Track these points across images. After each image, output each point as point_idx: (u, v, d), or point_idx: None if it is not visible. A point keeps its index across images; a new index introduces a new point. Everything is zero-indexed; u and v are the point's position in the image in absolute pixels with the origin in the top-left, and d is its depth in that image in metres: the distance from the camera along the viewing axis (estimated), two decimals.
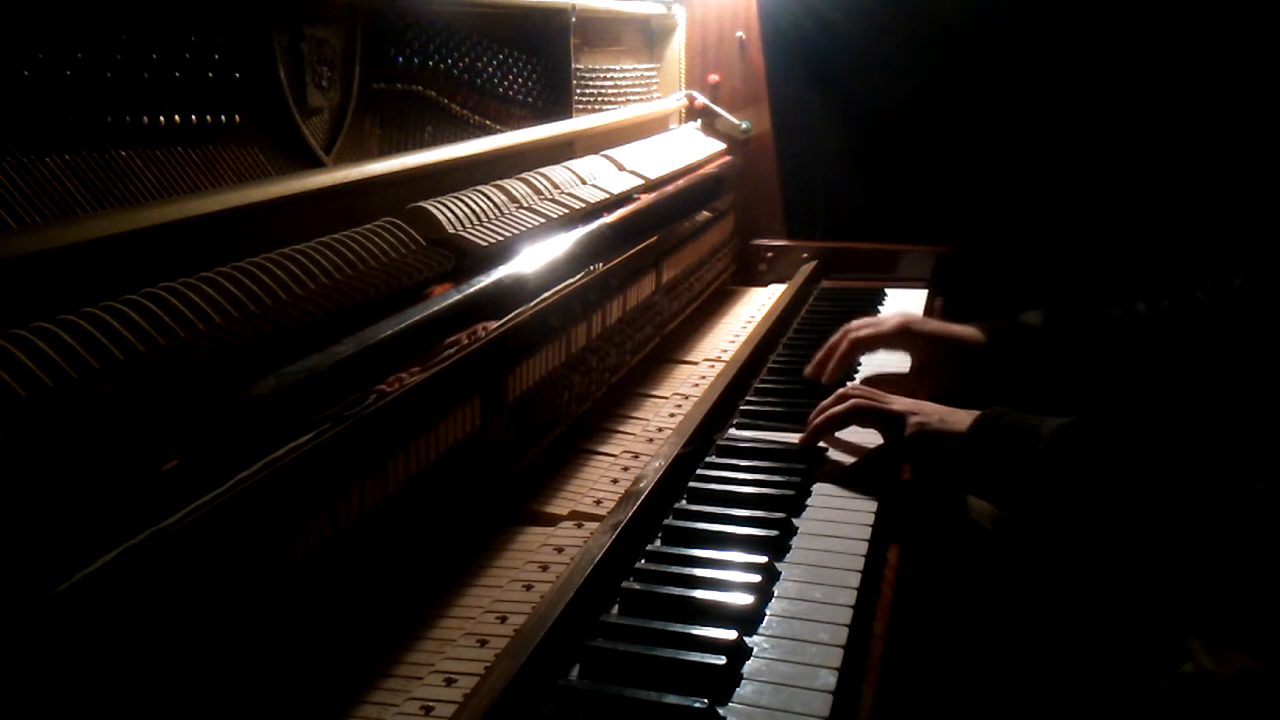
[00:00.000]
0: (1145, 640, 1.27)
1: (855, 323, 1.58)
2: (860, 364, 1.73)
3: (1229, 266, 1.43)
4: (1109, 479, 1.14)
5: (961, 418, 1.26)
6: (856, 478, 1.30)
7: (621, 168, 1.73)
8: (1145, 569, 1.19)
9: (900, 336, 1.55)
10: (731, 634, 0.96)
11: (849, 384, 1.54)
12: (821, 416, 1.35)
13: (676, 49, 2.31)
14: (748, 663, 0.94)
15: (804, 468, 1.32)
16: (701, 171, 2.03)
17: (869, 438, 1.38)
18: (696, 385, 1.63)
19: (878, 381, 1.58)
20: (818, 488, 1.29)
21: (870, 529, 1.18)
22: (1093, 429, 1.18)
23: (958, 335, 1.53)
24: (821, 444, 1.39)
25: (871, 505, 1.24)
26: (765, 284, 2.31)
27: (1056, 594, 1.39)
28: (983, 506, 1.53)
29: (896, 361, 1.65)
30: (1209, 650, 1.19)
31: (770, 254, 2.39)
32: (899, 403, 1.33)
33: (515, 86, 1.63)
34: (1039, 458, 1.17)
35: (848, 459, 1.36)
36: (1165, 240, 2.37)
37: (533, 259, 1.26)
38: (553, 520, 1.21)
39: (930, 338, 1.54)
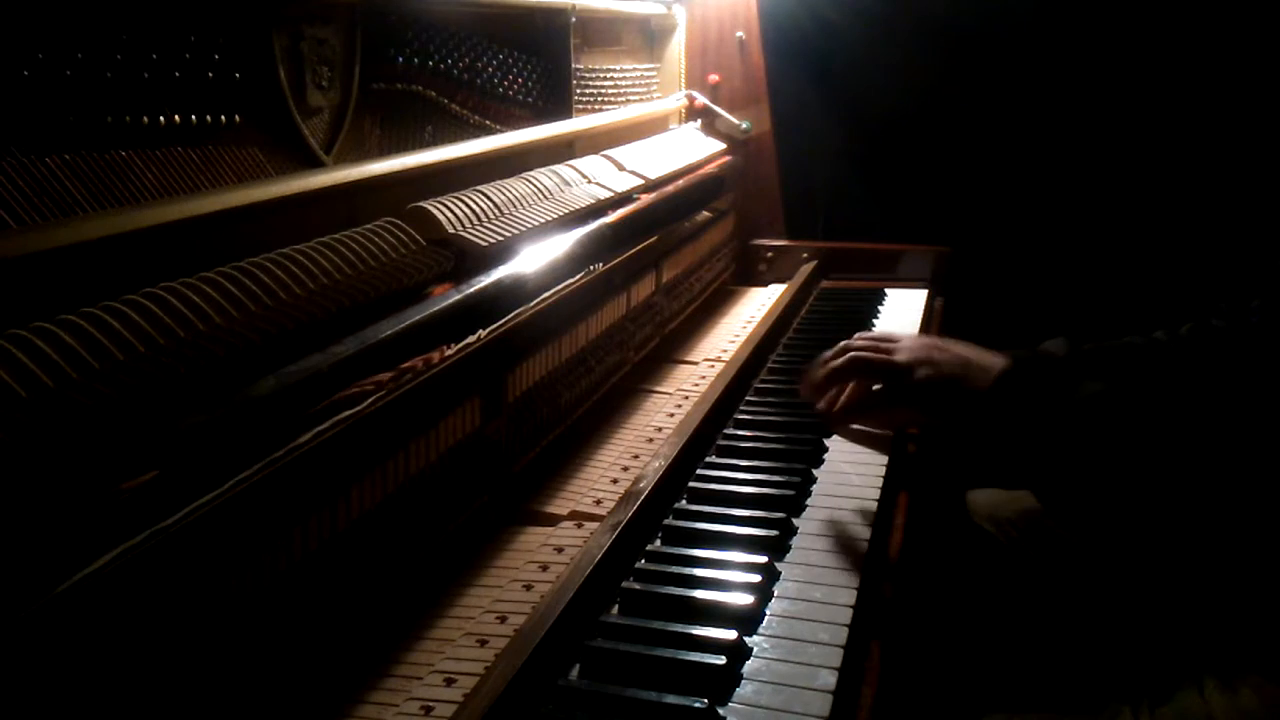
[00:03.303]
0: (1148, 650, 1.26)
1: (860, 343, 1.49)
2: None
3: (1241, 283, 1.40)
4: (1151, 450, 1.05)
5: (981, 371, 1.15)
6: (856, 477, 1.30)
7: (621, 168, 1.73)
8: (1159, 583, 1.17)
9: None
10: (731, 634, 0.96)
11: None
12: (821, 371, 1.27)
13: (676, 49, 2.31)
14: (748, 663, 0.94)
15: (804, 467, 1.32)
16: (701, 171, 2.03)
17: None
18: (696, 385, 1.63)
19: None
20: (817, 487, 1.29)
21: (870, 529, 1.18)
22: (1135, 394, 1.09)
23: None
24: (824, 442, 1.39)
25: (872, 506, 1.24)
26: (765, 284, 2.31)
27: (1060, 595, 1.38)
28: (983, 507, 1.52)
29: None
30: (1222, 677, 1.17)
31: (770, 254, 2.39)
32: (906, 349, 1.22)
33: (515, 86, 1.63)
34: (1072, 424, 1.07)
35: (849, 458, 1.35)
36: (1166, 239, 2.37)
37: (532, 259, 1.25)
38: (553, 520, 1.21)
39: None
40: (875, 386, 1.28)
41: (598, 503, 1.24)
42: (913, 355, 1.20)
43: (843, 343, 1.30)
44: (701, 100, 2.32)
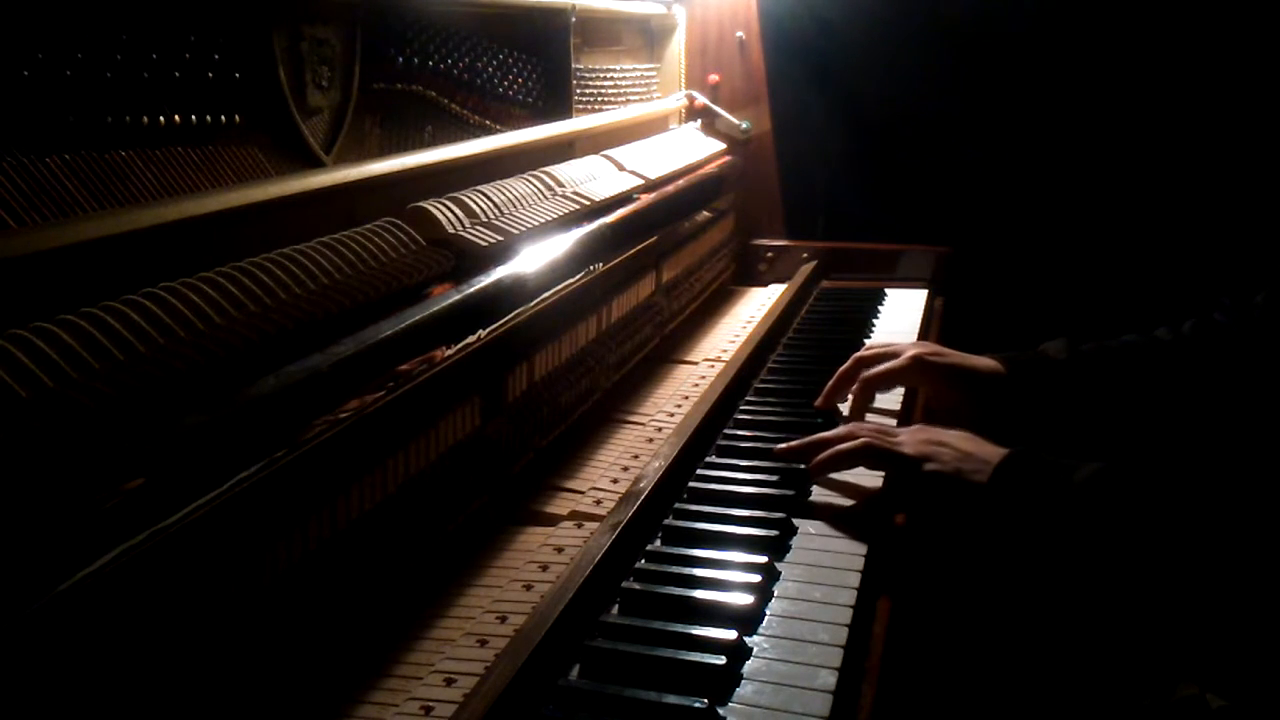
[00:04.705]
0: (1148, 652, 1.26)
1: (866, 353, 1.50)
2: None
3: (1244, 278, 1.39)
4: (1151, 528, 1.07)
5: (980, 464, 1.17)
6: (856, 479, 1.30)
7: (621, 168, 1.73)
8: (1159, 601, 1.17)
9: (915, 371, 1.45)
10: (731, 634, 0.96)
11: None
12: (829, 453, 1.27)
13: (676, 49, 2.31)
14: (748, 663, 0.94)
15: (804, 468, 1.31)
16: (701, 171, 2.03)
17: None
18: (696, 385, 1.63)
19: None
20: (818, 488, 1.29)
21: (871, 528, 1.18)
22: (1128, 476, 1.10)
23: (976, 367, 1.45)
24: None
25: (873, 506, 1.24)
26: (765, 284, 2.31)
27: (1064, 598, 1.38)
28: None
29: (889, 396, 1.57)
30: (1221, 676, 1.17)
31: (770, 254, 2.39)
32: (911, 443, 1.24)
33: (515, 86, 1.63)
34: (1072, 508, 1.10)
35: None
36: (1168, 240, 2.37)
37: (532, 259, 1.25)
38: (553, 520, 1.21)
39: (947, 370, 1.45)
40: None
41: (598, 503, 1.24)
42: (917, 450, 1.22)
43: (850, 426, 1.31)
44: (701, 100, 2.32)
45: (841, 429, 1.31)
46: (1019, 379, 1.42)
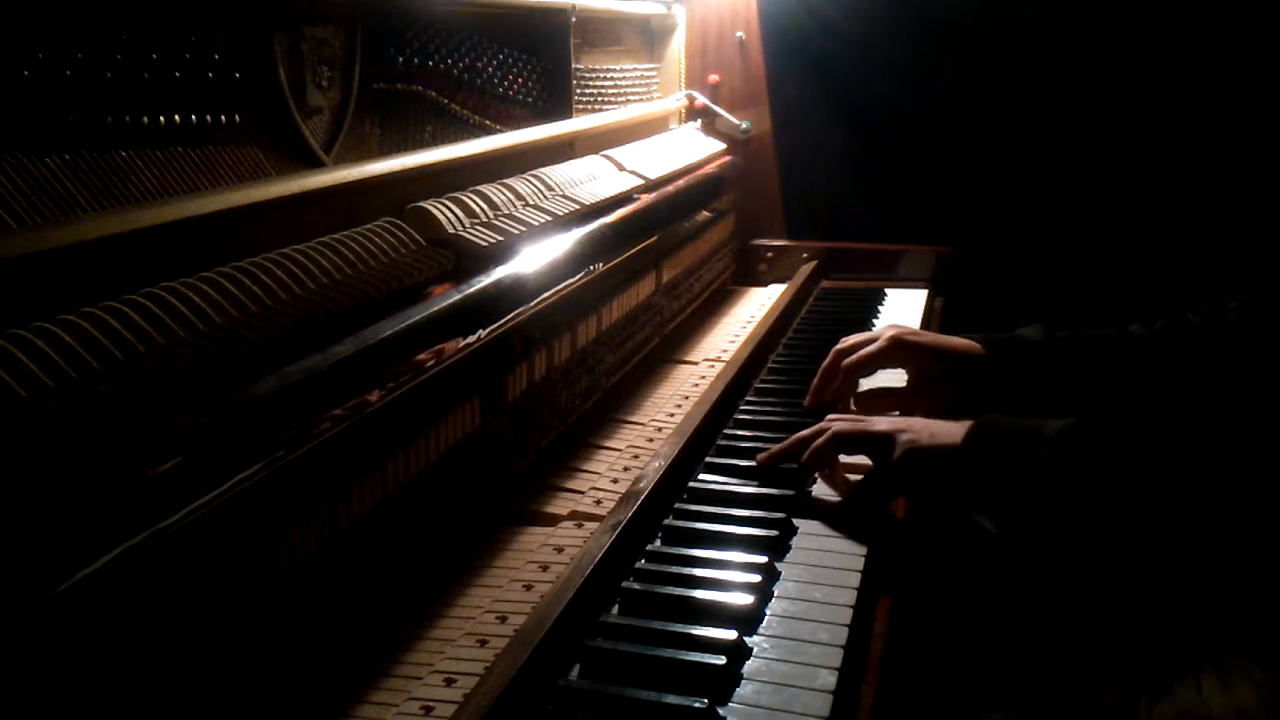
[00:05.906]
0: (1145, 644, 1.27)
1: (845, 344, 1.50)
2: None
3: (1224, 283, 1.40)
4: (1123, 478, 1.09)
5: (952, 430, 1.19)
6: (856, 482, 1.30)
7: (621, 168, 1.73)
8: (1152, 579, 1.17)
9: (894, 352, 1.46)
10: (731, 634, 0.96)
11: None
12: (809, 454, 1.28)
13: (676, 49, 2.31)
14: (748, 663, 0.94)
15: (796, 466, 1.31)
16: (701, 171, 2.03)
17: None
18: (696, 385, 1.63)
19: (874, 396, 1.51)
20: (818, 487, 1.29)
21: (869, 526, 1.18)
22: (1098, 428, 1.13)
23: (954, 347, 1.46)
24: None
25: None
26: (765, 284, 2.31)
27: (1060, 593, 1.38)
28: None
29: (892, 377, 1.56)
30: (1218, 671, 1.17)
31: (770, 254, 2.39)
32: (883, 422, 1.26)
33: (515, 86, 1.63)
34: (1045, 461, 1.11)
35: (849, 457, 1.35)
36: (1166, 242, 2.37)
37: (532, 259, 1.25)
38: (553, 520, 1.21)
39: (925, 350, 1.46)
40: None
41: (598, 503, 1.24)
42: (892, 425, 1.24)
43: (824, 421, 1.32)
44: (701, 100, 2.32)
45: (816, 426, 1.31)
46: (996, 358, 1.43)
